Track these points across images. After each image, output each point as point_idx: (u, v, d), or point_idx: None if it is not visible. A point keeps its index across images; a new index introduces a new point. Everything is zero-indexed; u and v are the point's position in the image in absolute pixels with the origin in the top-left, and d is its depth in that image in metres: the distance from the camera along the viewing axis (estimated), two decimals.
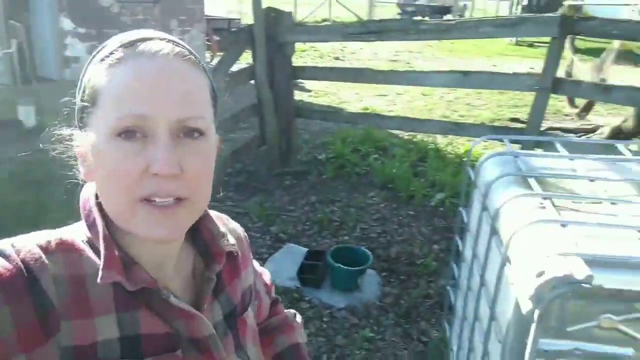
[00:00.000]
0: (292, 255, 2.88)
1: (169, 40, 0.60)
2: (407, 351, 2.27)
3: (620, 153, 1.97)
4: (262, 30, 3.91)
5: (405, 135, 4.71)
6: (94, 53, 0.61)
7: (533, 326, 1.16)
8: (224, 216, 0.80)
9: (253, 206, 3.51)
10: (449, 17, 19.19)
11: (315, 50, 10.56)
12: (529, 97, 6.66)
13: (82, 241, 0.60)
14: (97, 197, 0.61)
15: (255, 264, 0.88)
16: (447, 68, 9.25)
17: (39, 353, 0.52)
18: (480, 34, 3.20)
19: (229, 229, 0.77)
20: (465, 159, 4.17)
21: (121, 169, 0.55)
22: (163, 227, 0.56)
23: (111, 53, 0.57)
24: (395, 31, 3.42)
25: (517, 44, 13.21)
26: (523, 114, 6.12)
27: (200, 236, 0.70)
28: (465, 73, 3.36)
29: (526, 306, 1.17)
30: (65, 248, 0.58)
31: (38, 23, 7.15)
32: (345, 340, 2.30)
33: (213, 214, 0.74)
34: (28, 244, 0.56)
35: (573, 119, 5.74)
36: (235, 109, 3.93)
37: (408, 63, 9.69)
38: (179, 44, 0.61)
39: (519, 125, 5.58)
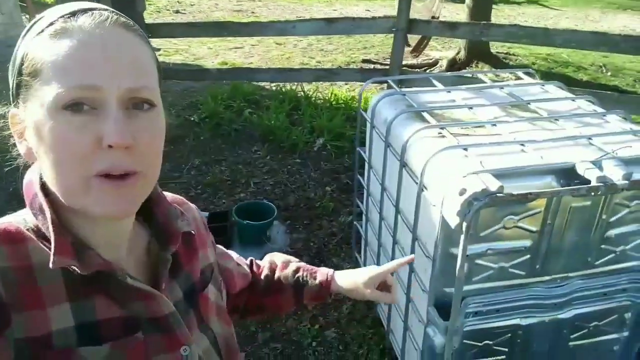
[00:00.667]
0: None
1: (112, 11, 0.58)
2: None
3: (482, 81, 2.29)
4: None
5: (272, 86, 4.75)
6: (28, 27, 0.58)
7: (462, 237, 1.36)
8: (180, 197, 0.81)
9: None
10: None
11: (150, 5, 9.79)
12: (374, 39, 7.14)
13: (28, 229, 0.58)
14: (41, 180, 0.59)
15: (220, 247, 0.91)
16: (291, 15, 9.35)
17: None
18: None
19: (184, 209, 0.77)
20: (334, 103, 4.38)
21: (71, 144, 0.53)
22: (118, 203, 0.55)
23: (51, 24, 0.55)
24: None
25: None
26: (372, 54, 6.54)
27: (155, 218, 0.70)
28: (329, 21, 3.49)
29: (454, 221, 1.37)
30: (10, 239, 0.56)
31: None
32: None
33: (168, 195, 0.75)
34: None
35: (414, 56, 6.27)
36: None
37: (253, 12, 9.53)
38: (122, 15, 0.60)
39: (370, 65, 5.98)
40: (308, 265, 0.99)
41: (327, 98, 4.45)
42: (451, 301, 1.67)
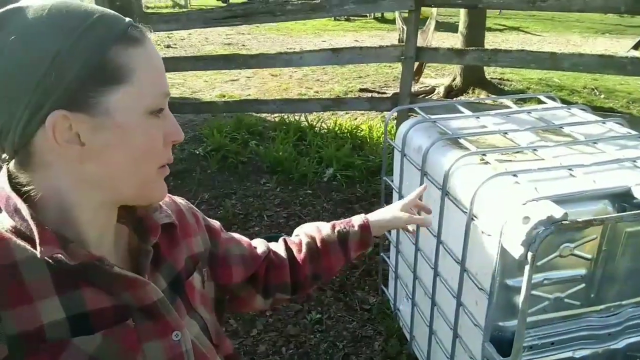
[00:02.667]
0: None
1: None
2: (355, 322, 2.35)
3: (508, 107, 2.27)
4: None
5: (274, 117, 4.72)
6: (74, 25, 0.55)
7: (527, 267, 1.30)
8: None
9: None
10: None
11: None
12: (368, 68, 7.21)
13: (6, 231, 0.59)
14: (10, 181, 0.60)
15: (236, 235, 0.94)
16: (281, 47, 9.44)
17: None
18: (345, 11, 3.33)
19: (165, 202, 0.79)
20: (339, 132, 4.35)
21: (155, 142, 0.62)
22: (166, 187, 0.68)
23: (123, 32, 0.59)
24: (262, 13, 3.38)
25: (336, 19, 14.00)
26: (368, 83, 6.58)
27: (134, 213, 0.72)
28: (336, 50, 3.49)
29: (517, 251, 1.31)
30: None
31: None
32: (296, 328, 2.29)
33: None
34: None
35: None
36: None
37: (244, 45, 9.61)
38: None
39: (368, 94, 6.00)
40: (341, 220, 1.02)
41: (331, 128, 4.42)
42: (503, 335, 1.60)
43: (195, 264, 0.79)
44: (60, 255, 0.55)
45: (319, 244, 0.97)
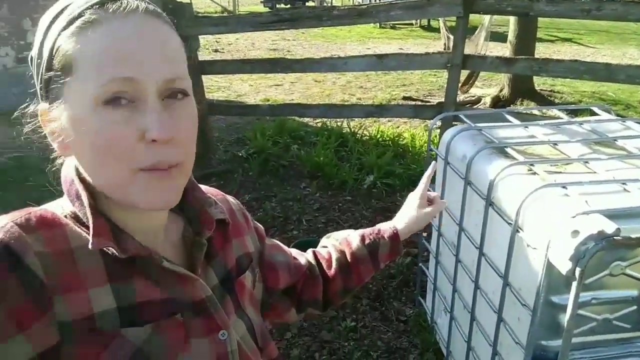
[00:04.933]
0: None
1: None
2: (390, 333, 2.31)
3: (559, 117, 2.19)
4: None
5: (316, 123, 4.74)
6: (50, 18, 0.56)
7: (574, 284, 1.24)
8: (215, 189, 0.81)
9: None
10: (310, 3, 19.64)
11: None
12: (412, 76, 7.14)
13: (65, 216, 0.58)
14: (77, 170, 0.60)
15: (278, 242, 0.93)
16: (325, 54, 9.49)
17: (37, 329, 0.51)
18: (391, 17, 3.31)
19: (219, 199, 0.77)
20: (380, 140, 4.32)
21: (116, 139, 0.53)
22: (163, 195, 0.56)
23: (80, 15, 0.54)
24: (309, 18, 3.40)
25: (381, 26, 13.97)
26: (412, 91, 6.52)
27: (189, 205, 0.70)
28: (380, 57, 3.47)
29: (565, 266, 1.25)
30: (47, 224, 0.56)
31: None
32: (330, 335, 2.28)
33: (203, 187, 0.75)
34: (5, 225, 0.53)
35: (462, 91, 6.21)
36: None
37: (289, 51, 9.72)
38: (149, 2, 0.58)
39: (411, 102, 5.94)
40: (368, 229, 1.00)
41: (373, 135, 4.39)
42: (545, 355, 1.53)
43: (250, 262, 0.78)
44: (111, 248, 0.56)
45: (349, 258, 0.96)
